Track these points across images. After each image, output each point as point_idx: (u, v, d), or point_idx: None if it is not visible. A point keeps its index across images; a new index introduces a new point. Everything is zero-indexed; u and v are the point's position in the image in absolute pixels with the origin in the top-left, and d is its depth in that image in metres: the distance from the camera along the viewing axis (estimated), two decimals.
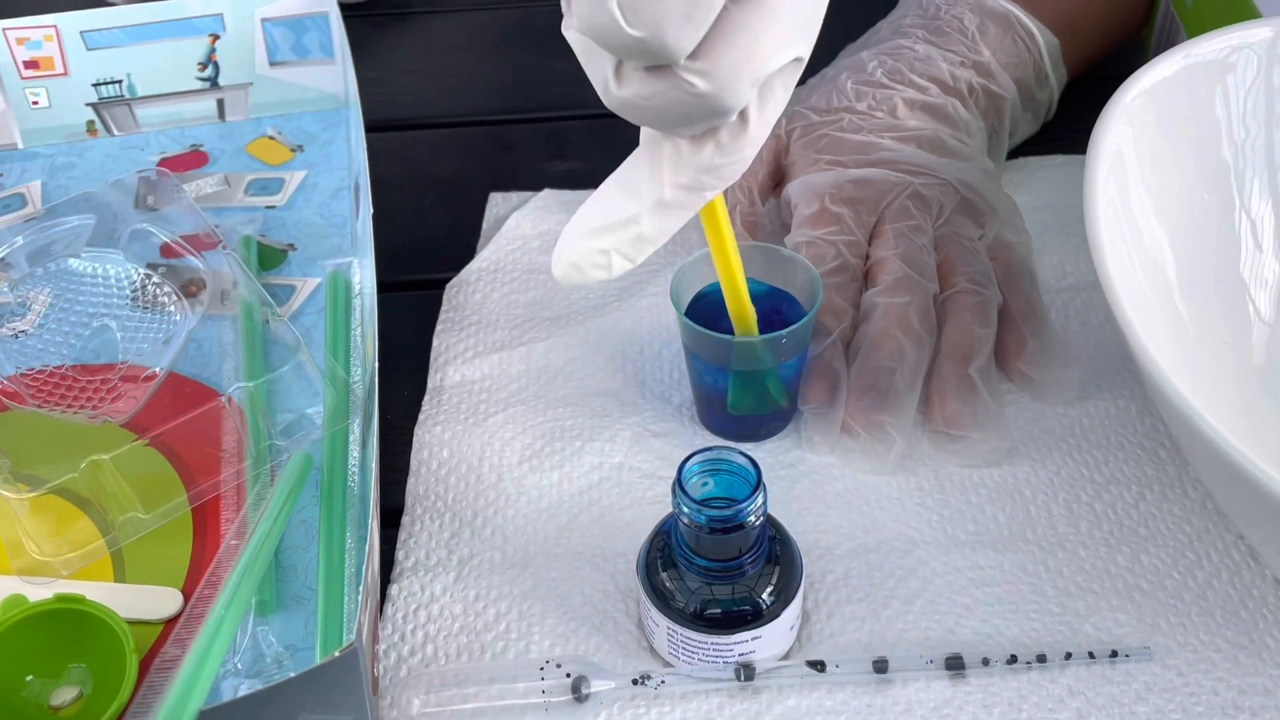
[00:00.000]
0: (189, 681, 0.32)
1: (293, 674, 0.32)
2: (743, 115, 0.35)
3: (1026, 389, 0.48)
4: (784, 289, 0.46)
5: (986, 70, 0.55)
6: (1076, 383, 0.48)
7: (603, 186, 0.37)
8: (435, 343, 0.53)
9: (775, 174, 0.55)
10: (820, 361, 0.47)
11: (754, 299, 0.44)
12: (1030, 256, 0.52)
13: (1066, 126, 0.61)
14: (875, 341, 0.46)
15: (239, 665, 0.40)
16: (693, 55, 0.33)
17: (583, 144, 0.65)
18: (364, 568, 0.37)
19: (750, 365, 0.44)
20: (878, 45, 0.57)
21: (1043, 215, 0.56)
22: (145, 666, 0.39)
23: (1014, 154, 0.59)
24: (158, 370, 0.49)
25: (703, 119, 0.34)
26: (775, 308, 0.46)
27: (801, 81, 0.54)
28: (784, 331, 0.43)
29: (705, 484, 0.38)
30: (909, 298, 0.47)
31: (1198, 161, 0.46)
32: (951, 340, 0.47)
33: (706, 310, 0.45)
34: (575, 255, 0.36)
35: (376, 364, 0.47)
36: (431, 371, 0.52)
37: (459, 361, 0.52)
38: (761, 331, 0.43)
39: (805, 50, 0.35)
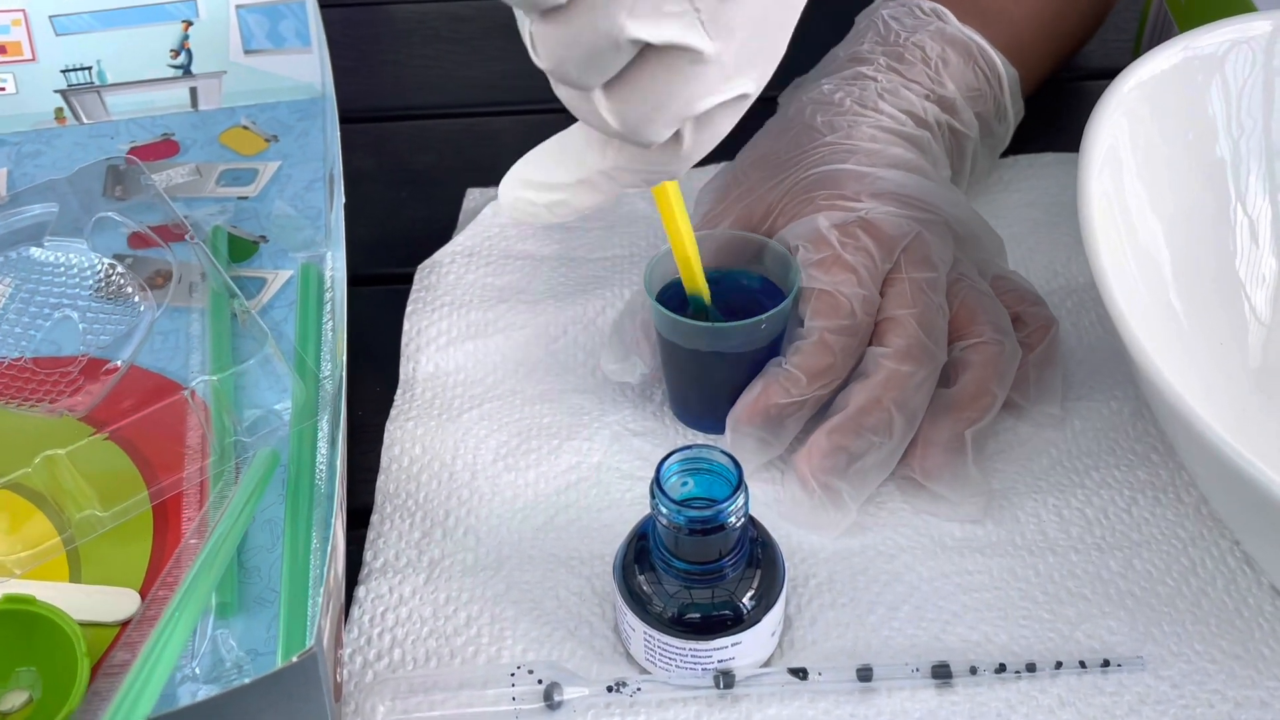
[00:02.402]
0: (136, 688, 0.30)
1: (248, 680, 0.31)
2: (676, 135, 0.35)
3: (1010, 407, 0.46)
4: (761, 274, 0.45)
5: (951, 106, 0.53)
6: (1060, 417, 0.46)
7: (548, 141, 0.38)
8: (406, 325, 0.51)
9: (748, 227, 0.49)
10: (767, 397, 0.43)
11: (732, 286, 0.44)
12: (1035, 290, 0.48)
13: (1056, 124, 0.60)
14: (866, 407, 0.42)
15: (197, 670, 0.38)
16: (610, 89, 0.33)
17: None
18: (326, 569, 0.35)
19: (723, 348, 0.43)
20: (837, 74, 0.53)
21: (1032, 213, 0.55)
22: (99, 670, 0.38)
23: (1003, 152, 0.58)
24: (119, 363, 0.48)
25: (624, 141, 0.35)
26: (753, 294, 0.45)
27: (758, 121, 0.53)
28: (763, 316, 0.42)
29: (685, 484, 0.37)
30: (915, 368, 0.43)
31: (1194, 156, 0.45)
32: (964, 394, 0.44)
33: (680, 298, 0.44)
34: (509, 197, 0.39)
35: (345, 357, 0.45)
36: (403, 359, 0.50)
37: (431, 349, 0.50)
38: (741, 317, 0.43)
39: (753, 87, 0.34)
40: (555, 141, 0.38)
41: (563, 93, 0.34)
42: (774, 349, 0.44)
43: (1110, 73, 0.45)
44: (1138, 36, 0.64)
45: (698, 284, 0.43)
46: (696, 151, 0.35)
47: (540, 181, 0.38)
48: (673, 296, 0.45)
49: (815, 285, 0.44)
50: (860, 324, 0.44)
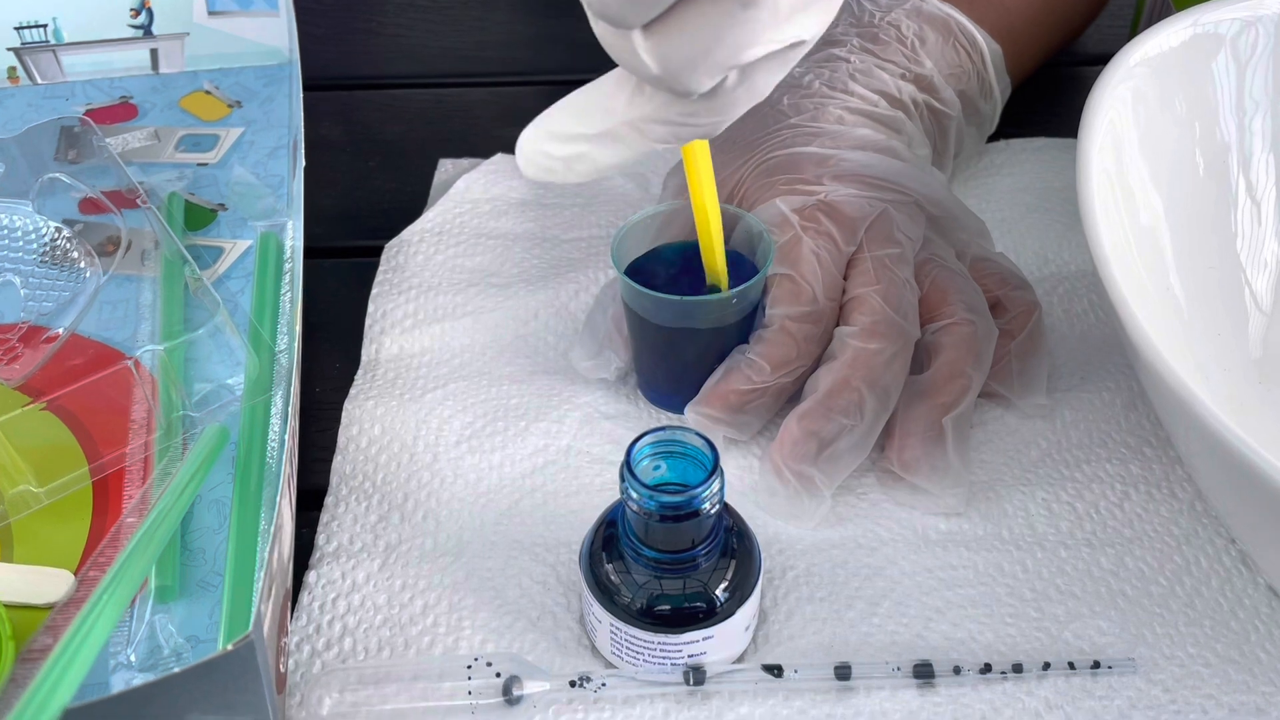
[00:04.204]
0: (55, 675, 0.28)
1: (177, 669, 0.28)
2: (716, 86, 0.32)
3: (995, 398, 0.44)
4: (735, 248, 0.44)
5: (929, 85, 0.51)
6: (1046, 405, 0.44)
7: (576, 92, 0.35)
8: (371, 307, 0.49)
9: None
10: (728, 384, 0.42)
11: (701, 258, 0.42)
12: (1019, 273, 0.47)
13: (1049, 109, 0.59)
14: (834, 389, 0.41)
15: (133, 657, 0.36)
16: (651, 30, 0.30)
17: (540, 110, 0.61)
18: (269, 551, 0.33)
19: (694, 324, 0.42)
20: (809, 57, 0.51)
21: (1024, 197, 0.53)
22: (20, 655, 0.35)
23: (994, 136, 0.56)
24: (59, 331, 0.45)
25: (660, 88, 0.32)
26: (727, 268, 0.43)
27: None
28: (733, 291, 0.41)
29: (657, 467, 0.35)
30: (883, 345, 0.41)
31: (1198, 135, 0.43)
32: (937, 378, 0.42)
33: (650, 272, 0.43)
34: (530, 151, 0.36)
35: (299, 328, 0.43)
36: (366, 341, 0.48)
37: (396, 331, 0.48)
38: (710, 290, 0.41)
39: (809, 33, 0.32)
40: (583, 91, 0.35)
41: (600, 29, 0.32)
42: (746, 325, 0.43)
43: (1105, 58, 0.43)
44: (1134, 21, 0.62)
45: (715, 262, 0.41)
46: (736, 106, 0.33)
47: (562, 132, 0.35)
48: (641, 270, 0.43)
49: (777, 271, 0.43)
50: (823, 309, 0.42)
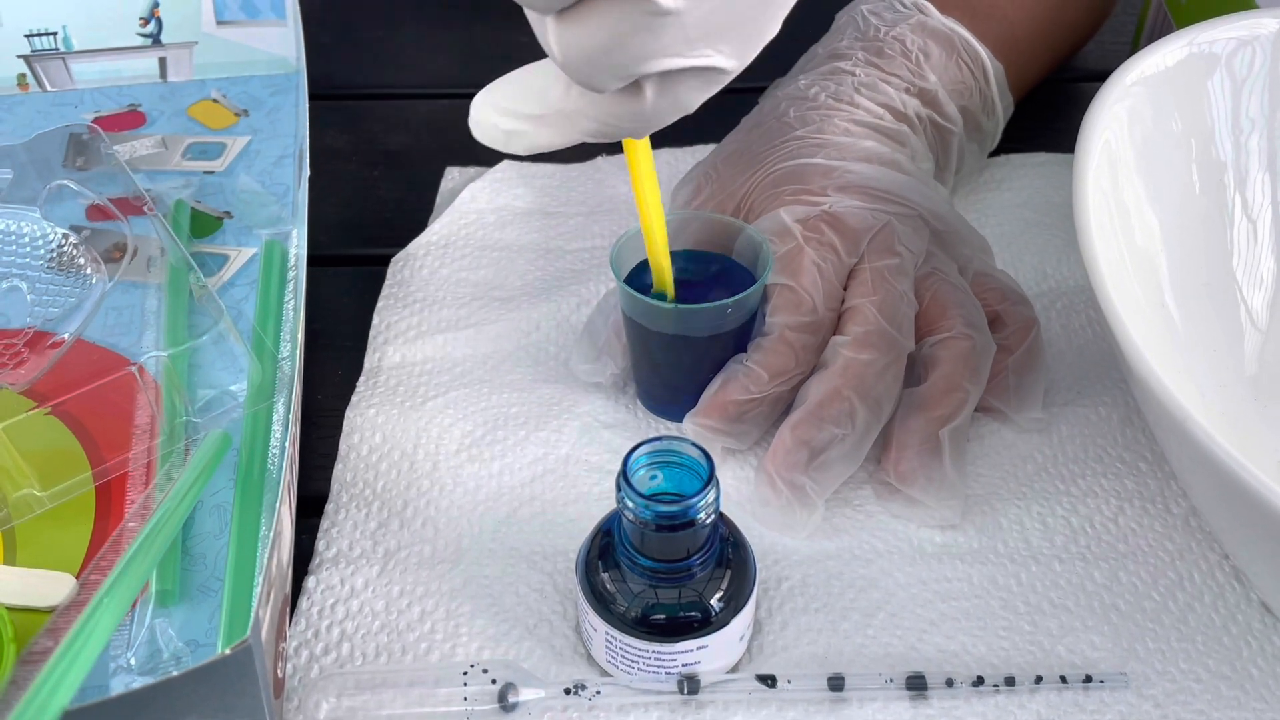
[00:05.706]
0: (55, 677, 0.28)
1: (175, 672, 0.29)
2: (636, 88, 0.32)
3: (992, 413, 0.45)
4: (733, 258, 0.44)
5: (933, 99, 0.51)
6: (1042, 420, 0.44)
7: (525, 68, 0.36)
8: (375, 320, 0.50)
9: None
10: (726, 394, 0.42)
11: (707, 269, 0.43)
12: (1019, 289, 0.47)
13: (1049, 124, 0.59)
14: (825, 399, 0.41)
15: (132, 661, 0.36)
16: (561, 18, 0.30)
17: None
18: (268, 556, 0.33)
19: (691, 332, 0.42)
20: (814, 70, 0.52)
21: (1024, 213, 0.54)
22: (19, 657, 0.36)
23: (995, 151, 0.57)
24: (64, 336, 0.45)
25: (568, 77, 0.32)
26: (727, 278, 0.43)
27: (734, 121, 0.52)
28: (729, 300, 0.41)
29: (653, 477, 0.35)
30: (874, 356, 0.42)
31: (1195, 154, 0.43)
32: (934, 391, 0.42)
33: (650, 281, 0.43)
34: (478, 118, 0.36)
35: (302, 336, 0.43)
36: (369, 351, 0.48)
37: (399, 341, 0.49)
38: (710, 299, 0.41)
39: (726, 62, 0.31)
40: (530, 70, 0.35)
41: (527, 11, 0.32)
42: (743, 334, 0.43)
43: (1106, 74, 0.43)
44: (1135, 38, 0.63)
45: (660, 265, 0.41)
46: (657, 115, 0.33)
47: (505, 107, 0.36)
48: (642, 279, 0.43)
49: (777, 281, 0.43)
50: (822, 319, 0.43)
